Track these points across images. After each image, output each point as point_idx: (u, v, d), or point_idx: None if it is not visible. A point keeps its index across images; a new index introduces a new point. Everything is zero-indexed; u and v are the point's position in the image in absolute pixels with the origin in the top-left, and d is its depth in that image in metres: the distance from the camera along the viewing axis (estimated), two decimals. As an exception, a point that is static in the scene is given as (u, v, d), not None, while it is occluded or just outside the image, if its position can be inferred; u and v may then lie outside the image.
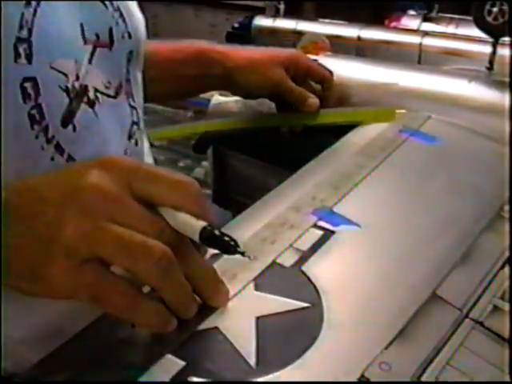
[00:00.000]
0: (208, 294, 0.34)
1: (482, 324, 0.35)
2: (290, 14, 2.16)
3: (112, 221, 0.30)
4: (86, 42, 0.42)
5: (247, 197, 0.47)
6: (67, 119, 0.40)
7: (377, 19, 2.08)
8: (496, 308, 0.36)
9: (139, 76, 0.52)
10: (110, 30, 0.45)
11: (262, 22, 2.15)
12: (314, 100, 0.64)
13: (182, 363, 0.30)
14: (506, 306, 0.37)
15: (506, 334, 0.34)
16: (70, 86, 0.40)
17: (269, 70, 0.63)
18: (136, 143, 0.49)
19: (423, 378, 0.31)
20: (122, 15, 0.46)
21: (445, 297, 0.36)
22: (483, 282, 0.38)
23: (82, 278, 0.29)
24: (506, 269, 0.40)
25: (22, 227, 0.31)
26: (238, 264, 0.37)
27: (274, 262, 0.38)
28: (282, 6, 2.14)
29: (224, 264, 0.36)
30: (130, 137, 0.48)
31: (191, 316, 0.32)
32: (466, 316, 0.35)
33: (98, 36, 0.44)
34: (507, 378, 0.32)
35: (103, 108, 0.44)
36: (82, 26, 0.42)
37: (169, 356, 0.31)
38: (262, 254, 0.39)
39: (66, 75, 0.40)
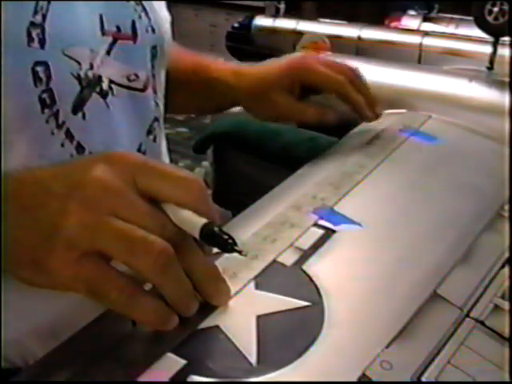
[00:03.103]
0: (209, 293, 0.33)
1: (482, 323, 0.35)
2: (289, 13, 2.16)
3: (114, 215, 0.30)
4: (104, 33, 0.43)
5: (247, 196, 0.47)
6: (77, 107, 0.41)
7: (377, 19, 2.08)
8: (497, 307, 0.36)
9: (163, 74, 0.52)
10: (133, 24, 0.45)
11: (262, 21, 2.15)
12: (312, 112, 0.57)
13: (183, 362, 0.30)
14: (507, 305, 0.37)
15: (507, 333, 0.34)
16: (82, 73, 0.41)
17: (273, 102, 0.57)
18: (154, 139, 0.49)
19: (424, 377, 0.31)
20: (144, 9, 0.47)
21: (446, 296, 0.36)
22: (484, 281, 0.38)
23: (81, 271, 0.29)
24: (507, 268, 0.40)
25: (25, 218, 0.31)
26: (238, 263, 0.37)
27: (274, 261, 0.38)
28: (282, 6, 2.14)
29: (225, 262, 0.36)
30: (149, 132, 0.48)
31: (192, 314, 0.32)
32: (467, 315, 0.35)
33: (119, 28, 0.44)
34: (507, 378, 0.32)
35: (118, 100, 0.44)
36: (101, 17, 0.42)
37: (169, 354, 0.31)
38: (263, 253, 0.39)
39: (78, 63, 0.40)
